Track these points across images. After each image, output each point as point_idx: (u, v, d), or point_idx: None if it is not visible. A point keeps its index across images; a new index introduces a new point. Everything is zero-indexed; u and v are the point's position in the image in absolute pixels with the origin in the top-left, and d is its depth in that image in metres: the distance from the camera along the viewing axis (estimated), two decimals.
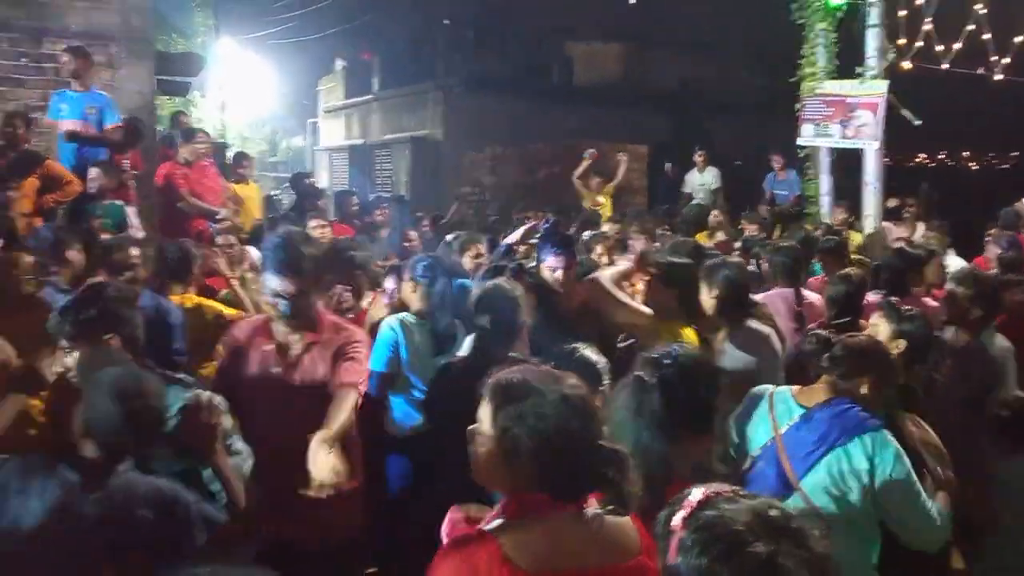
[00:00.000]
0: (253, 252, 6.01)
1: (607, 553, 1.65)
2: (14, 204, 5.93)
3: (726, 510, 1.30)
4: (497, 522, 1.68)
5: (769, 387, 2.78)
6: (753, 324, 3.63)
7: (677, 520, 1.32)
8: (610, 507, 1.68)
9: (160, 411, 2.31)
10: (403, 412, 3.74)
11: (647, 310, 3.50)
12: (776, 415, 2.64)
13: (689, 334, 3.37)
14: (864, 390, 2.61)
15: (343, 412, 2.69)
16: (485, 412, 1.72)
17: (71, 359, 2.55)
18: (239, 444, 2.65)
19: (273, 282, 2.87)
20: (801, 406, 2.63)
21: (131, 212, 6.74)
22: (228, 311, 4.42)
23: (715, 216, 8.22)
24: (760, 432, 2.66)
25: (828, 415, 2.56)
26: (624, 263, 3.79)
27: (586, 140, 13.76)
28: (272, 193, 18.67)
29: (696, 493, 1.35)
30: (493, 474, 1.71)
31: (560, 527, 1.64)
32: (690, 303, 3.48)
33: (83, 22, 7.25)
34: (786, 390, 2.74)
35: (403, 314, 3.80)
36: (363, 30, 20.84)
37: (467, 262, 5.04)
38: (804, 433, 2.55)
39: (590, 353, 2.73)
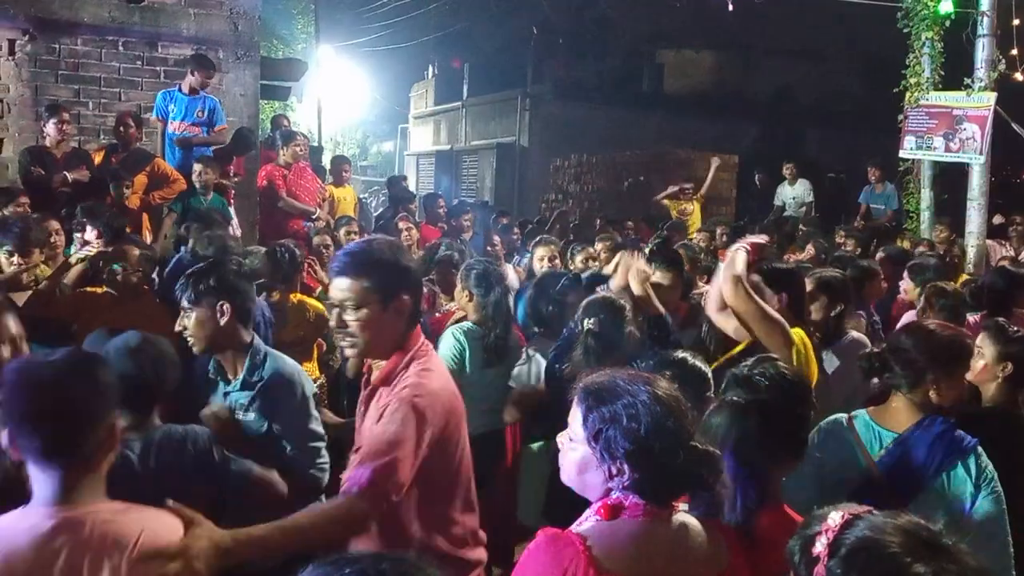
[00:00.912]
0: None
1: (694, 563, 1.64)
2: (127, 200, 6.26)
3: (875, 532, 1.23)
4: (588, 524, 1.68)
5: (842, 414, 2.59)
6: (855, 334, 3.63)
7: (820, 547, 1.26)
8: (697, 513, 1.67)
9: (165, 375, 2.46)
10: None
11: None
12: (863, 441, 2.50)
13: (806, 338, 3.26)
14: (933, 395, 2.45)
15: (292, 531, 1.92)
16: (576, 416, 1.71)
17: (188, 320, 2.71)
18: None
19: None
20: (889, 431, 2.47)
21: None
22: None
23: (803, 230, 8.02)
24: (848, 460, 2.50)
25: (926, 438, 2.43)
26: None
27: (675, 148, 13.68)
28: (361, 196, 19.18)
29: (835, 516, 1.29)
30: (585, 478, 1.70)
31: (650, 532, 1.63)
32: (799, 306, 3.40)
33: (195, 28, 7.59)
34: (863, 413, 2.57)
35: (466, 323, 3.79)
36: (455, 38, 21.19)
37: (536, 265, 5.10)
38: (903, 459, 2.41)
39: (698, 361, 2.70)
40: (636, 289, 3.34)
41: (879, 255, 6.14)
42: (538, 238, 5.81)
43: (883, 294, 5.39)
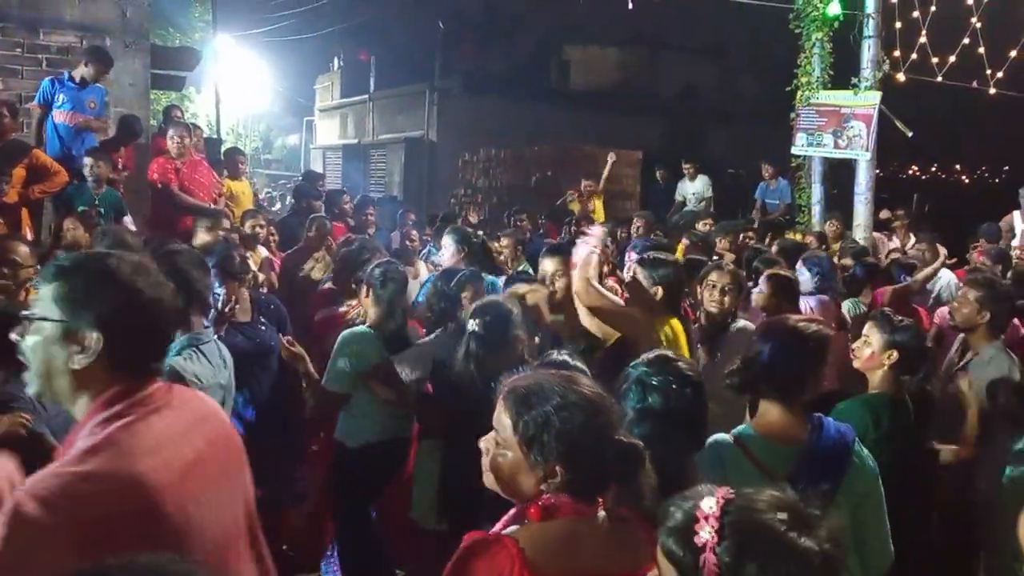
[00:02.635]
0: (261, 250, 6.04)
1: (624, 559, 1.65)
2: (5, 196, 5.90)
3: (757, 512, 1.28)
4: (515, 527, 1.67)
5: (724, 436, 2.41)
6: (742, 322, 3.83)
7: (706, 535, 1.28)
8: (618, 508, 1.69)
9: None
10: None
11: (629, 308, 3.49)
12: (764, 463, 2.37)
13: (676, 326, 3.42)
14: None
15: None
16: (504, 420, 1.70)
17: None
18: None
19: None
20: (787, 447, 2.37)
21: None
22: None
23: (704, 224, 8.25)
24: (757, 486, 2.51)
25: (826, 444, 2.37)
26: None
27: (582, 144, 13.85)
28: (266, 190, 18.70)
29: (708, 502, 1.31)
30: (517, 480, 1.69)
31: (579, 530, 1.64)
32: (674, 297, 3.54)
33: (79, 13, 7.23)
34: (750, 431, 2.43)
35: (360, 328, 3.76)
36: (361, 30, 20.88)
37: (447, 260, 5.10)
38: (813, 473, 2.29)
39: (578, 362, 2.71)
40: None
41: (774, 248, 6.37)
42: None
43: None
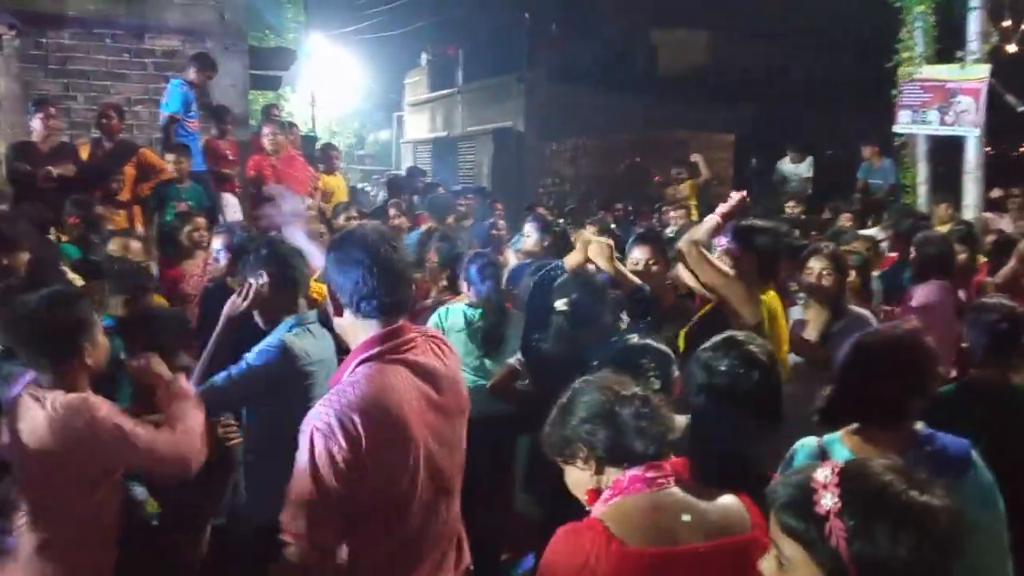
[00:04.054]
0: None
1: (717, 528, 1.66)
2: (118, 194, 6.25)
3: (877, 476, 1.28)
4: (600, 508, 1.73)
5: (812, 440, 2.26)
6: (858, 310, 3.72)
7: (829, 502, 1.27)
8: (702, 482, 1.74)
9: None
10: None
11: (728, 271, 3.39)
12: None
13: (774, 300, 3.32)
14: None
15: None
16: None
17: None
18: None
19: None
20: None
21: (233, 201, 7.03)
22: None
23: (791, 207, 8.00)
24: None
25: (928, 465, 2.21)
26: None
27: (670, 130, 13.64)
28: (359, 185, 19.14)
29: (823, 472, 1.32)
30: (578, 490, 1.82)
31: (659, 501, 1.67)
32: (769, 267, 3.43)
33: (181, 18, 7.56)
34: (839, 443, 2.21)
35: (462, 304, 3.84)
36: (448, 24, 21.07)
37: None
38: None
39: (661, 344, 2.68)
40: (604, 265, 3.31)
41: (888, 232, 6.12)
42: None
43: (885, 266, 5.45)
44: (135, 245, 4.08)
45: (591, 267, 3.37)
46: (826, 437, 2.23)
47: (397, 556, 1.94)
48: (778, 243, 3.49)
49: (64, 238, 5.03)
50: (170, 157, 6.52)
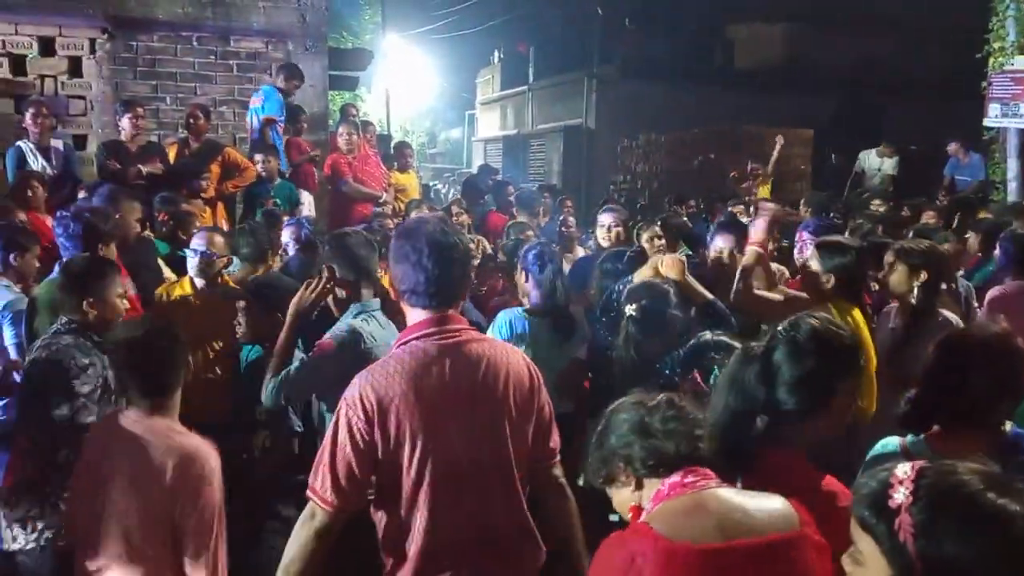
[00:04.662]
0: None
1: (763, 524, 1.64)
2: (204, 192, 6.48)
3: (952, 475, 1.24)
4: (648, 513, 1.73)
5: (894, 440, 2.19)
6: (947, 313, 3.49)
7: (901, 497, 1.25)
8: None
9: None
10: None
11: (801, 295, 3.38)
12: None
13: (857, 316, 3.23)
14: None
15: None
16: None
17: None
18: None
19: None
20: None
21: (309, 198, 7.22)
22: None
23: (877, 205, 7.75)
24: None
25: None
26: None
27: (745, 125, 13.37)
28: (431, 183, 19.39)
29: (904, 467, 1.29)
30: (622, 507, 1.83)
31: (703, 501, 1.66)
32: (853, 284, 3.36)
33: (265, 21, 7.77)
34: (924, 445, 2.14)
35: (516, 309, 3.79)
36: (520, 22, 21.15)
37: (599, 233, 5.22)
38: None
39: (734, 341, 2.64)
40: (677, 279, 3.29)
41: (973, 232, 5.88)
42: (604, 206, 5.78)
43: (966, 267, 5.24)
44: (219, 240, 4.23)
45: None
46: (910, 437, 2.16)
47: (412, 535, 2.04)
48: (860, 265, 3.38)
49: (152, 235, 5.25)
50: (258, 157, 6.71)
